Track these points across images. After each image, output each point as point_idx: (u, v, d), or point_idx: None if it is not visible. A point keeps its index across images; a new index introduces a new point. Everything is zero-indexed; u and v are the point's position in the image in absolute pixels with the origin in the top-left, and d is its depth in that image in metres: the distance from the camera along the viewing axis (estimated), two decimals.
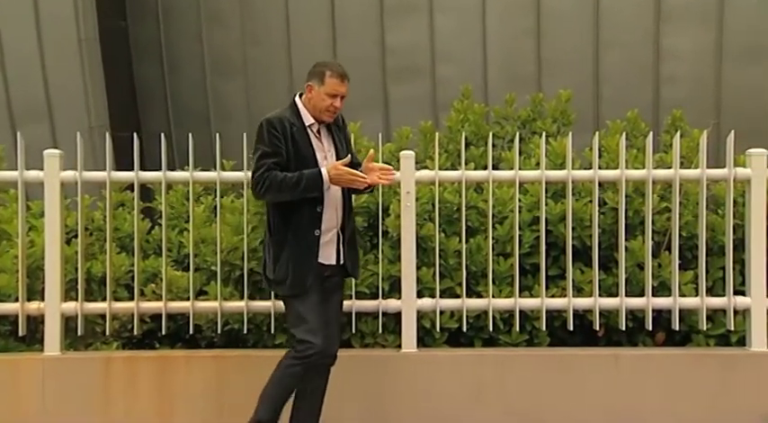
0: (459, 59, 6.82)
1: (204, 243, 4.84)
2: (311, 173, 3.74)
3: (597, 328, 4.59)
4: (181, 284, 4.73)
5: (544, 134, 4.79)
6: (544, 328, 4.57)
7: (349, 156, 3.83)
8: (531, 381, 4.44)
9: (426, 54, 6.89)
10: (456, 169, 4.92)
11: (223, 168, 4.86)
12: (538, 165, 4.74)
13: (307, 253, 3.79)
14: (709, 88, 6.39)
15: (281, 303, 4.60)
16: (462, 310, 4.55)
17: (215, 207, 4.82)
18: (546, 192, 4.69)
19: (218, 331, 4.62)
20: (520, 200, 4.78)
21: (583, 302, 4.56)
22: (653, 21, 6.45)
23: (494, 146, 5.63)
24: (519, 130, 5.77)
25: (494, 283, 4.67)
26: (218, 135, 4.68)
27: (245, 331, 4.62)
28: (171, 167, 4.70)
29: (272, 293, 4.53)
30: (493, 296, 4.59)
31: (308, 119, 3.87)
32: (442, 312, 4.60)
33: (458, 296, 4.63)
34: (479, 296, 4.72)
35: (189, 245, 4.66)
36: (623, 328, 4.54)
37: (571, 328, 4.55)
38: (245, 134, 4.60)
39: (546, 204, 4.70)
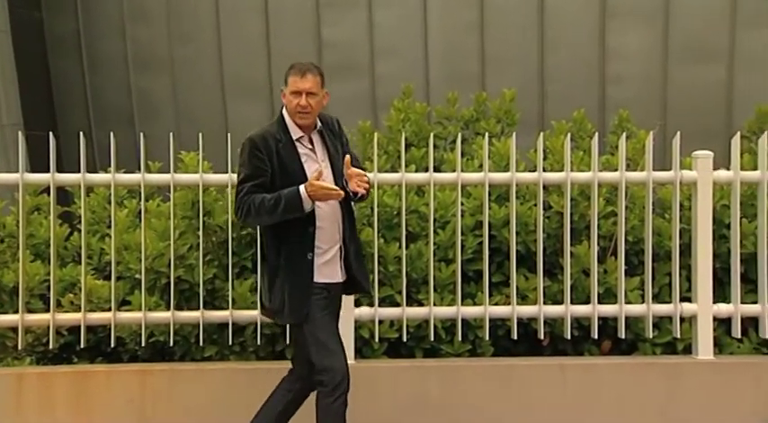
0: (400, 56, 6.86)
1: (127, 250, 4.76)
2: (289, 192, 3.61)
3: (542, 337, 4.65)
4: (102, 294, 4.64)
5: (487, 135, 4.84)
6: (487, 338, 4.61)
7: (321, 168, 3.66)
8: (474, 392, 4.48)
9: (365, 50, 6.91)
10: (396, 171, 4.93)
11: (148, 170, 4.80)
12: (481, 167, 4.79)
13: (302, 278, 3.67)
14: (655, 88, 6.55)
15: (211, 314, 4.58)
16: (402, 319, 4.56)
17: (139, 211, 4.75)
18: (489, 195, 4.74)
19: (143, 344, 4.55)
20: (462, 203, 4.82)
21: (527, 310, 4.62)
22: (598, 19, 6.59)
23: (436, 147, 5.66)
24: (462, 130, 5.82)
25: (435, 290, 4.70)
26: (142, 135, 4.61)
27: (171, 343, 4.55)
28: (91, 169, 4.61)
29: (201, 303, 4.49)
30: (434, 304, 4.61)
31: (295, 132, 3.75)
32: (381, 322, 4.61)
33: (398, 304, 4.64)
34: (420, 304, 4.73)
35: (111, 251, 4.58)
36: (569, 337, 4.61)
37: (515, 337, 4.59)
38: (171, 134, 4.54)
39: (489, 208, 4.75)
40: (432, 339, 4.62)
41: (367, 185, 3.71)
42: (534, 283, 4.69)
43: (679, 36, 6.49)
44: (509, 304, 4.60)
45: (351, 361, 4.46)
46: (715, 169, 4.63)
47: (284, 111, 3.80)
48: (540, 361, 4.67)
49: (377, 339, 4.60)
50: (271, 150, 3.70)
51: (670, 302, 4.62)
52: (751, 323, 4.70)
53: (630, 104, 6.07)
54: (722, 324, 4.72)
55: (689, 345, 4.67)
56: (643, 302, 4.62)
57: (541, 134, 4.79)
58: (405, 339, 4.60)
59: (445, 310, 4.62)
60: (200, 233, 4.62)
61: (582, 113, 5.74)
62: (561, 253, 4.72)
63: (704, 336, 4.55)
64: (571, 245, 4.65)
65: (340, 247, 3.77)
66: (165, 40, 7.31)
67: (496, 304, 4.71)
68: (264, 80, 7.06)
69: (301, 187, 3.60)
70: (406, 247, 4.71)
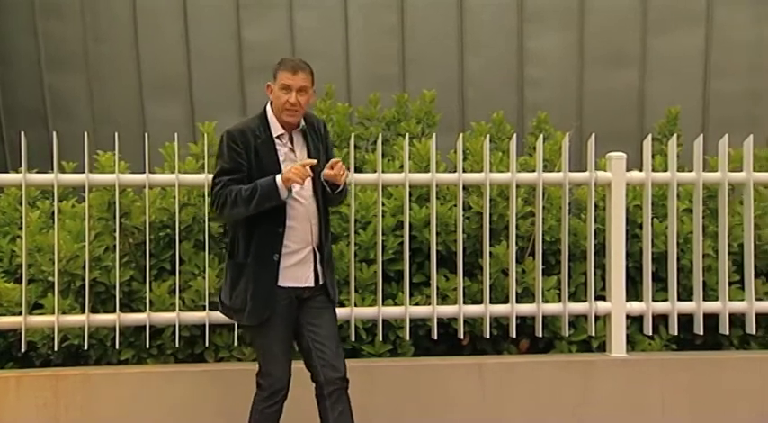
0: (321, 57, 6.84)
1: (40, 252, 4.64)
2: (265, 181, 3.54)
3: (462, 337, 4.72)
4: (12, 297, 4.52)
5: (408, 136, 4.89)
6: (408, 338, 4.65)
7: (308, 159, 3.59)
8: (394, 392, 4.51)
9: (286, 51, 6.89)
10: None
11: (62, 170, 4.70)
12: (402, 167, 4.83)
13: (266, 279, 3.61)
14: (571, 91, 6.71)
15: (127, 316, 4.51)
16: None
17: (53, 212, 4.65)
18: (410, 195, 4.78)
19: (56, 348, 4.45)
20: (383, 204, 4.85)
21: (447, 310, 4.68)
22: (516, 22, 6.71)
23: (357, 147, 5.71)
24: (383, 131, 5.87)
25: (356, 291, 4.72)
26: (55, 134, 4.52)
27: (86, 347, 4.47)
28: (2, 169, 4.50)
29: (118, 305, 4.42)
30: (355, 305, 4.63)
31: (276, 129, 3.67)
32: None
33: None
34: (341, 305, 4.74)
35: (22, 254, 4.46)
36: (488, 336, 4.69)
37: (435, 337, 4.65)
38: (86, 133, 4.46)
39: (410, 209, 4.80)
40: (353, 340, 4.64)
41: (342, 172, 3.61)
42: (454, 283, 4.76)
43: (594, 41, 6.67)
44: (429, 304, 4.65)
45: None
46: (628, 170, 4.76)
47: (268, 106, 3.69)
48: (460, 360, 4.73)
49: None
50: (248, 145, 3.61)
51: (586, 301, 4.74)
52: (662, 320, 4.86)
53: (548, 107, 6.21)
54: (635, 322, 4.87)
55: (603, 342, 4.80)
56: (560, 301, 4.73)
57: (461, 135, 4.86)
58: None
59: (366, 311, 4.65)
60: (117, 234, 4.55)
61: (501, 115, 5.84)
62: (481, 253, 4.79)
63: (617, 333, 4.68)
64: (490, 245, 4.73)
65: (313, 250, 3.68)
66: (80, 38, 7.15)
67: (417, 304, 4.76)
68: (183, 80, 6.97)
69: (278, 176, 3.53)
70: None
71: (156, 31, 7.02)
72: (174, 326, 4.51)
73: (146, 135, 4.55)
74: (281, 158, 3.64)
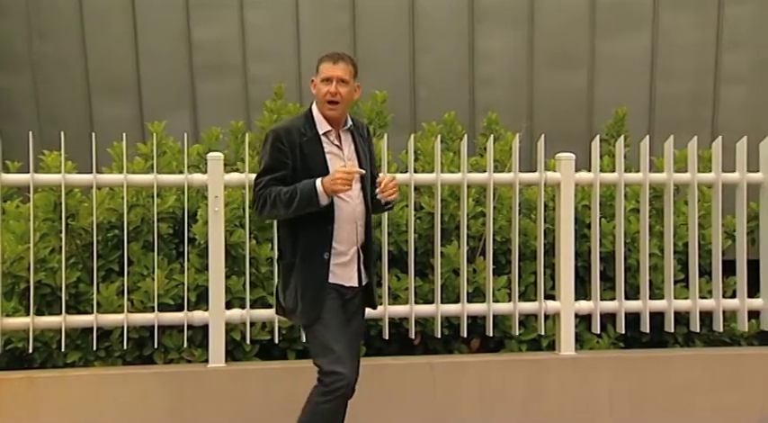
0: (273, 57, 6.83)
1: None
2: (305, 185, 3.47)
3: (413, 337, 4.74)
4: None
5: None
6: None
7: (352, 165, 3.53)
8: None
9: (237, 50, 6.84)
10: None
11: (7, 170, 4.62)
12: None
13: (316, 277, 3.54)
14: (521, 92, 6.77)
15: (74, 318, 4.45)
16: (274, 320, 4.56)
17: None
18: None
19: None
20: None
21: (399, 310, 4.70)
22: (467, 23, 6.76)
23: None
24: None
25: None
26: None
27: (30, 350, 4.39)
28: None
29: (64, 307, 4.36)
30: None
31: (322, 126, 3.60)
32: (252, 324, 4.59)
33: (270, 306, 4.63)
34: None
35: None
36: (439, 336, 4.72)
37: (387, 337, 4.67)
38: (31, 133, 4.40)
39: None
40: (304, 341, 4.63)
41: (394, 191, 3.56)
42: (406, 283, 4.78)
43: (543, 42, 6.74)
44: (381, 304, 4.66)
45: (221, 364, 4.46)
46: (577, 171, 4.83)
47: (314, 105, 3.64)
48: (411, 360, 4.75)
49: (248, 342, 4.58)
50: (294, 143, 3.55)
51: (535, 301, 4.80)
52: (609, 319, 4.93)
53: (499, 107, 6.26)
54: (583, 320, 4.94)
55: (553, 341, 4.86)
56: (510, 301, 4.78)
57: (413, 136, 4.89)
58: (277, 341, 4.60)
59: None
60: (63, 236, 4.48)
61: (452, 116, 5.88)
62: (432, 253, 4.82)
63: (566, 332, 4.74)
64: (441, 245, 4.77)
65: (357, 251, 3.63)
66: (25, 36, 7.02)
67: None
68: (132, 79, 6.88)
69: (318, 180, 3.45)
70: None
71: (103, 29, 6.92)
72: (122, 328, 4.46)
73: (93, 135, 4.50)
74: (327, 156, 3.57)
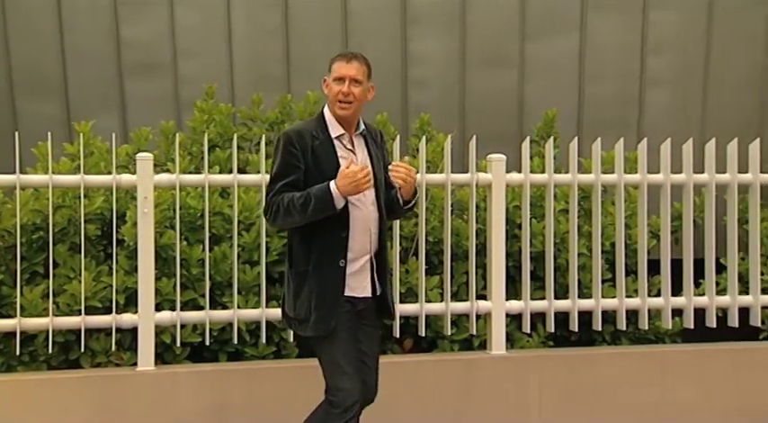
0: (203, 57, 6.75)
1: None
2: (319, 189, 3.35)
3: None
4: None
5: None
6: (292, 339, 4.64)
7: (363, 165, 3.40)
8: (278, 394, 4.49)
9: (167, 50, 6.75)
10: (199, 172, 4.87)
11: None
12: None
13: (332, 287, 3.42)
14: (453, 93, 6.83)
15: None
16: (205, 322, 4.51)
17: None
18: None
19: None
20: None
21: None
22: (400, 24, 6.78)
23: (240, 148, 5.65)
24: (266, 132, 5.83)
25: (239, 293, 4.68)
26: None
27: None
28: None
29: None
30: (238, 307, 4.59)
31: (335, 129, 3.49)
32: (183, 326, 4.54)
33: (201, 308, 4.59)
34: (224, 307, 4.70)
35: None
36: None
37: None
38: None
39: None
40: (236, 342, 4.60)
41: (411, 177, 3.46)
42: None
43: (475, 44, 6.80)
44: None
45: (150, 367, 4.39)
46: (508, 172, 4.89)
47: (326, 108, 3.54)
48: None
49: (179, 344, 4.52)
50: (306, 147, 3.43)
51: (467, 301, 4.84)
52: (539, 318, 5.01)
53: (431, 108, 6.30)
54: (514, 320, 5.00)
55: (484, 341, 4.91)
56: (442, 301, 4.81)
57: None
58: (208, 343, 4.55)
59: (249, 313, 4.62)
60: None
61: (385, 117, 5.90)
62: None
63: (497, 332, 4.80)
64: None
65: (370, 259, 3.52)
66: None
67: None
68: (58, 77, 6.72)
69: (332, 182, 3.34)
70: (210, 250, 4.67)
71: (27, 26, 6.74)
72: (47, 331, 4.36)
73: (16, 134, 4.38)
74: (340, 159, 3.46)
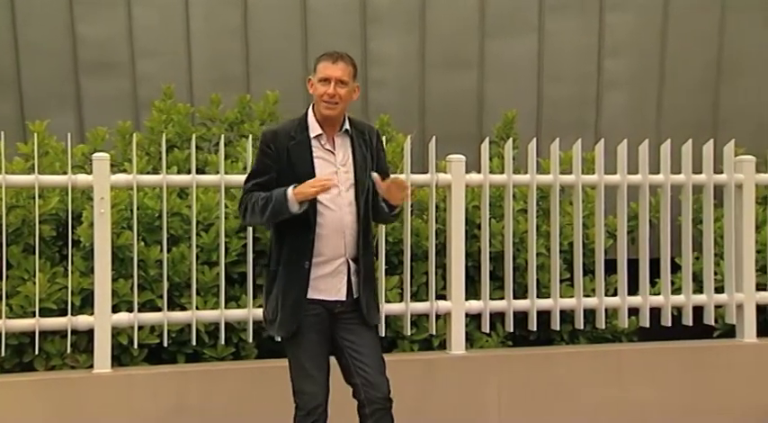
0: (162, 56, 6.68)
1: None
2: (278, 191, 3.35)
3: None
4: None
5: (251, 137, 4.85)
6: (251, 340, 4.62)
7: (345, 171, 3.42)
8: (237, 395, 4.47)
9: (124, 48, 6.67)
10: (157, 173, 4.83)
11: None
12: (245, 169, 4.79)
13: (295, 288, 3.40)
14: (413, 93, 6.84)
15: None
16: (163, 324, 4.47)
17: None
18: None
19: None
20: (226, 206, 4.80)
21: None
22: (360, 24, 6.78)
23: (199, 148, 5.61)
24: (226, 132, 5.80)
25: (198, 294, 4.65)
26: None
27: None
28: None
29: None
30: (197, 308, 4.56)
31: (314, 129, 3.45)
32: (140, 327, 4.49)
33: (159, 309, 4.55)
34: (183, 309, 4.66)
35: None
36: None
37: (279, 339, 4.63)
38: None
39: None
40: (194, 344, 4.56)
41: (404, 197, 3.48)
42: None
43: (435, 44, 6.82)
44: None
45: (107, 369, 4.33)
46: (467, 172, 4.91)
47: (310, 109, 3.49)
48: None
49: (136, 346, 4.47)
50: (281, 147, 3.42)
51: (427, 301, 4.85)
52: (498, 318, 5.03)
53: (391, 109, 6.31)
54: (474, 320, 5.02)
55: (444, 340, 4.92)
56: (402, 301, 4.82)
57: None
58: (166, 345, 4.51)
59: (208, 314, 4.58)
60: None
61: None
62: None
63: (457, 332, 4.81)
64: None
65: (346, 261, 3.46)
66: None
67: (260, 307, 4.72)
68: (12, 75, 6.60)
69: (290, 187, 3.33)
70: (168, 251, 4.63)
71: None
72: (0, 334, 4.28)
73: None
74: (315, 161, 3.43)
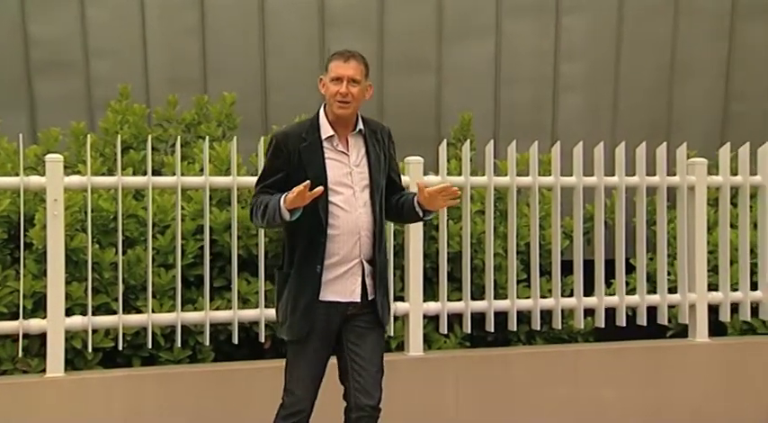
0: (117, 56, 6.61)
1: None
2: (275, 198, 3.30)
3: (263, 341, 4.70)
4: None
5: (208, 138, 4.82)
6: (208, 343, 4.58)
7: (359, 172, 3.39)
8: (194, 399, 4.43)
9: (78, 48, 6.58)
10: (112, 174, 4.77)
11: None
12: (202, 170, 4.76)
13: (307, 292, 3.37)
14: (372, 95, 6.85)
15: None
16: (118, 327, 4.41)
17: None
18: (210, 199, 4.72)
19: None
20: (183, 207, 4.76)
21: (249, 314, 4.65)
22: (318, 27, 6.77)
23: (155, 150, 5.57)
24: (183, 133, 5.76)
25: (154, 296, 4.60)
26: None
27: None
28: None
29: None
30: (153, 311, 4.51)
31: (325, 130, 3.40)
32: (95, 331, 4.43)
33: (114, 312, 4.49)
34: (139, 311, 4.61)
35: None
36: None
37: (236, 342, 4.61)
38: None
39: (210, 212, 4.73)
40: (150, 347, 4.51)
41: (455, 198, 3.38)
42: (256, 286, 4.73)
43: (393, 47, 6.83)
44: (230, 308, 4.60)
45: (60, 374, 4.27)
46: (426, 174, 4.92)
47: (322, 109, 3.45)
48: (262, 364, 4.71)
49: (90, 349, 4.41)
50: (293, 149, 3.37)
51: None
52: (456, 319, 5.05)
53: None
54: (432, 321, 5.03)
55: (402, 342, 4.92)
56: None
57: (263, 138, 4.85)
58: (121, 348, 4.45)
59: (164, 317, 4.54)
60: None
61: (303, 119, 5.87)
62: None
63: (415, 333, 4.82)
64: None
65: (361, 263, 3.42)
66: None
67: (218, 309, 4.70)
68: None
69: (283, 195, 3.27)
70: (124, 253, 4.58)
71: None
72: None
73: None
74: (327, 163, 3.38)
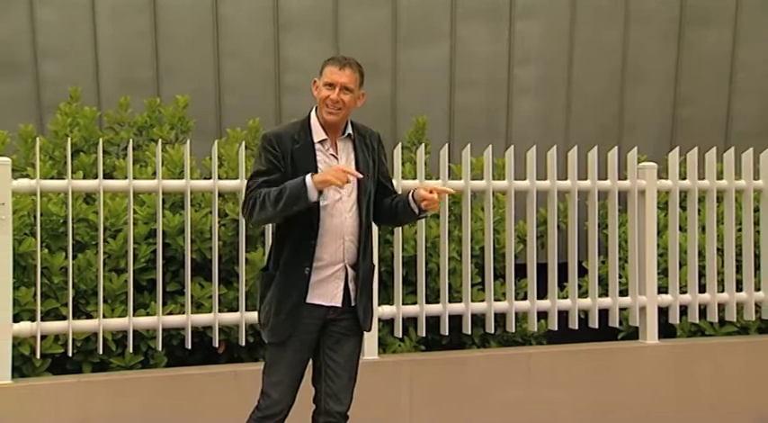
0: (67, 58, 6.52)
1: None
2: (295, 180, 3.27)
3: (217, 345, 4.67)
4: None
5: (161, 141, 4.78)
6: (161, 348, 4.54)
7: (353, 169, 3.33)
8: (146, 405, 4.38)
9: (27, 49, 6.47)
10: (62, 178, 4.70)
11: None
12: (155, 174, 4.71)
13: (294, 294, 3.36)
14: None
15: None
16: (68, 332, 4.35)
17: None
18: (163, 202, 4.68)
19: None
20: (135, 211, 4.72)
21: (202, 318, 4.61)
22: (272, 31, 6.75)
23: (107, 153, 5.51)
24: (134, 136, 5.70)
25: (105, 301, 4.55)
26: None
27: None
28: None
29: None
30: (104, 316, 4.45)
31: (317, 134, 3.41)
32: (44, 337, 4.36)
33: (63, 318, 4.43)
34: (89, 316, 4.55)
35: None
36: (244, 344, 4.67)
37: (190, 347, 4.57)
38: None
39: (163, 216, 4.69)
40: (101, 352, 4.46)
41: (437, 202, 3.40)
42: (209, 290, 4.70)
43: (348, 51, 6.80)
44: (183, 313, 4.57)
45: (7, 381, 4.20)
46: None
47: (313, 111, 3.45)
48: (216, 369, 4.69)
49: (38, 355, 4.34)
50: (286, 150, 3.37)
51: None
52: (411, 322, 5.07)
53: (305, 114, 6.29)
54: (387, 324, 5.05)
55: None
56: None
57: (216, 142, 4.83)
58: (71, 354, 4.39)
59: (116, 322, 4.48)
60: None
61: (257, 122, 5.86)
62: (237, 260, 4.77)
63: (370, 337, 4.80)
64: (246, 252, 4.73)
65: (345, 267, 3.42)
66: None
67: (171, 313, 4.66)
68: None
69: (308, 175, 3.25)
70: (74, 258, 4.52)
71: None
72: None
73: None
74: (319, 166, 3.38)
